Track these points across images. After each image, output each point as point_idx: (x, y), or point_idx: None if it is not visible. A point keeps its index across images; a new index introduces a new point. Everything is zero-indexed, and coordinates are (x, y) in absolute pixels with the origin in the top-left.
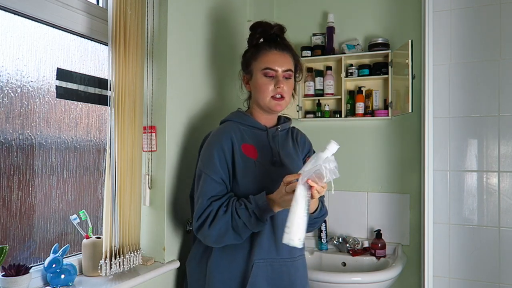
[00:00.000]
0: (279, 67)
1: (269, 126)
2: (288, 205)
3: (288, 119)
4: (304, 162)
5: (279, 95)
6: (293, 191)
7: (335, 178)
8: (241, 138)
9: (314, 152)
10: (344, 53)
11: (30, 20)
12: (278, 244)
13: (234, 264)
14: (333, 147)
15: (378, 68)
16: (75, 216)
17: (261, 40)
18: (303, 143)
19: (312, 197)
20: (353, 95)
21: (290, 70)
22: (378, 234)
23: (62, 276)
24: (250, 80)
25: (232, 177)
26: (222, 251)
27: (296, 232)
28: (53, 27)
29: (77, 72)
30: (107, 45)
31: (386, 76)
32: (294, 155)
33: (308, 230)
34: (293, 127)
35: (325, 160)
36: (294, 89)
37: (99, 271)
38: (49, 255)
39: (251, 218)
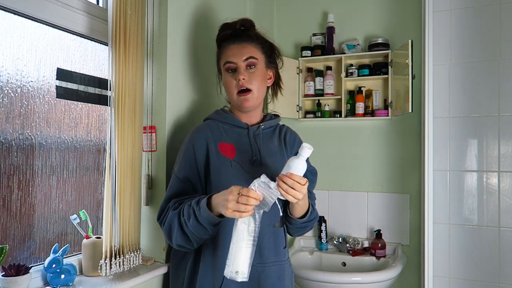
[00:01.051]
0: (238, 58)
1: (252, 124)
2: (222, 209)
3: (276, 116)
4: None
5: (243, 87)
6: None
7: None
8: (219, 136)
9: None
10: (344, 53)
11: (30, 20)
12: None
13: (207, 274)
14: (306, 151)
15: (378, 68)
16: (75, 216)
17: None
18: (292, 141)
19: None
20: (353, 95)
21: (252, 57)
22: (378, 234)
23: (62, 276)
24: (221, 80)
25: (206, 177)
26: (197, 259)
27: (234, 264)
28: (53, 27)
29: (77, 72)
30: (107, 45)
31: (386, 76)
32: (278, 154)
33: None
34: (283, 125)
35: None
36: (280, 81)
37: (99, 271)
38: (49, 255)
39: (190, 217)
